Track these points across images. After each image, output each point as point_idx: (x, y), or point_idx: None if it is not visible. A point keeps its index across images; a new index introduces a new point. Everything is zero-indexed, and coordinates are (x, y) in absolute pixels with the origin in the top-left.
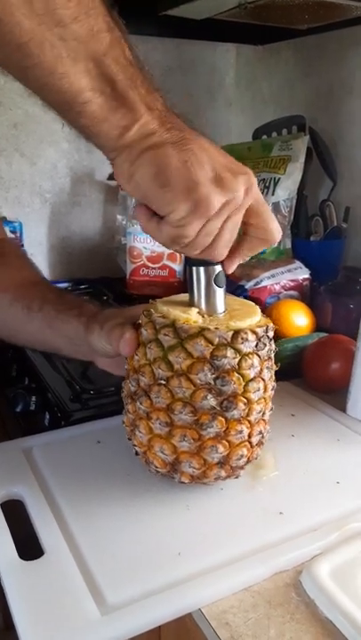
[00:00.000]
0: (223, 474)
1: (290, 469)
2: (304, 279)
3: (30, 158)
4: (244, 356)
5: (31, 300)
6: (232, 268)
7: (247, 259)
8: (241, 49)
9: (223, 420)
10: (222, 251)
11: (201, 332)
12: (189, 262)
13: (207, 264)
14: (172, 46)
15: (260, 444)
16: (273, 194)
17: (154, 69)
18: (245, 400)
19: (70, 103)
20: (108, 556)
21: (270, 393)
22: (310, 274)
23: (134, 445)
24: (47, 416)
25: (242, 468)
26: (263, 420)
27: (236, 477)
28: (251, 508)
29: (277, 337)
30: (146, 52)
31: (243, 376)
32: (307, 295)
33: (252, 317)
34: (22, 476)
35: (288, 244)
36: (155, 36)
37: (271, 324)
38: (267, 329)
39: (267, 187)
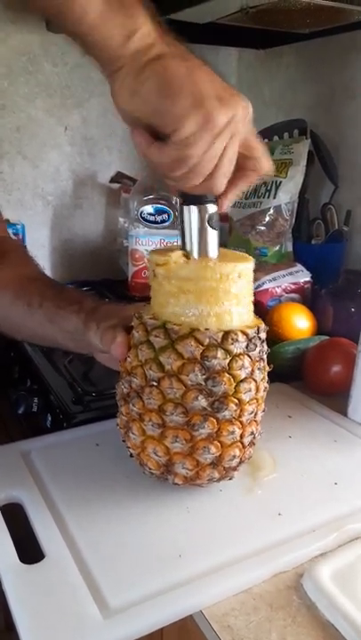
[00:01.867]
0: (216, 475)
1: (288, 471)
2: (305, 282)
3: (33, 161)
4: (234, 356)
5: (31, 297)
6: (226, 205)
7: (239, 194)
8: (243, 53)
9: (215, 420)
10: (222, 181)
11: (191, 332)
12: (183, 201)
13: (201, 202)
14: None
15: (251, 444)
16: (274, 197)
17: None
18: (237, 401)
19: (70, 5)
20: (108, 558)
21: (263, 394)
22: (312, 277)
23: (128, 447)
24: (49, 418)
25: (235, 469)
26: (255, 420)
27: (230, 479)
28: (250, 510)
29: (278, 340)
30: None
31: (233, 377)
32: (308, 298)
33: (244, 262)
34: (21, 479)
35: (289, 247)
36: None
37: (263, 326)
38: (258, 330)
39: (268, 190)
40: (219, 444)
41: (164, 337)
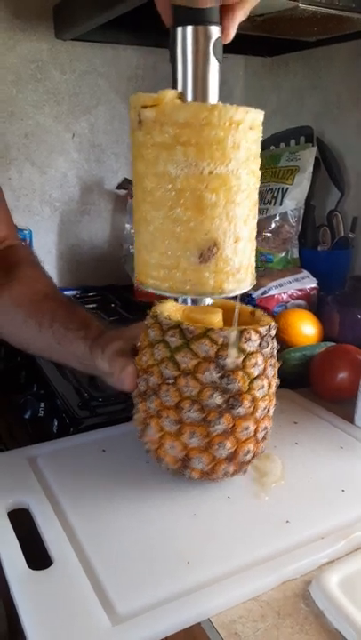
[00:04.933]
0: (231, 469)
1: (295, 477)
2: (311, 288)
3: (41, 167)
4: (248, 355)
5: (43, 317)
6: (233, 31)
7: (247, 14)
8: (249, 60)
9: (230, 417)
10: None
11: (206, 332)
12: (176, 21)
13: (202, 21)
14: None
15: (264, 439)
16: (281, 204)
17: (163, 80)
18: (251, 398)
19: None
20: (116, 564)
21: (274, 390)
22: (318, 283)
23: (145, 443)
24: (55, 423)
25: (248, 463)
26: (268, 416)
27: (244, 473)
28: (258, 517)
29: (285, 346)
30: (155, 62)
31: (247, 374)
32: (314, 304)
33: (254, 110)
34: (28, 485)
35: (296, 254)
36: (164, 47)
37: (273, 323)
38: (269, 328)
39: (275, 197)
40: (234, 440)
41: (179, 336)
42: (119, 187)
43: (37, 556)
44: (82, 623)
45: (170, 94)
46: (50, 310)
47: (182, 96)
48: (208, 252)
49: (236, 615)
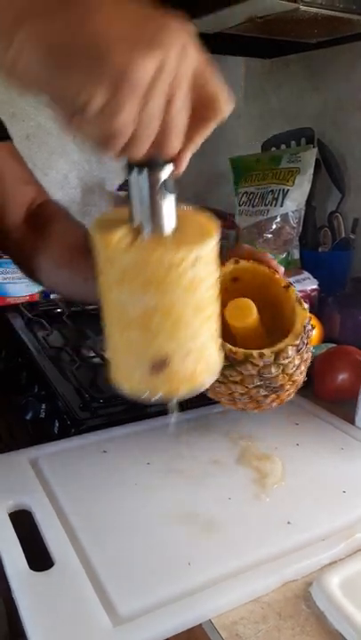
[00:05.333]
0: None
1: (296, 479)
2: (312, 290)
3: (42, 169)
4: (287, 363)
5: (85, 271)
6: (184, 164)
7: (199, 145)
8: (250, 62)
9: (275, 395)
10: (175, 140)
11: (247, 358)
12: (129, 164)
13: (153, 165)
14: None
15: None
16: (282, 205)
17: None
18: (291, 382)
19: None
20: (117, 565)
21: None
22: (318, 284)
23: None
24: (57, 424)
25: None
26: (304, 362)
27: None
28: (258, 518)
29: None
30: None
31: (288, 375)
32: (315, 306)
33: (204, 241)
34: (29, 486)
35: (296, 255)
36: None
37: (309, 316)
38: (305, 330)
39: (275, 198)
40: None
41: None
42: (120, 188)
43: (38, 557)
44: (83, 624)
45: (118, 235)
46: (87, 263)
47: (139, 228)
48: (159, 366)
49: (238, 616)
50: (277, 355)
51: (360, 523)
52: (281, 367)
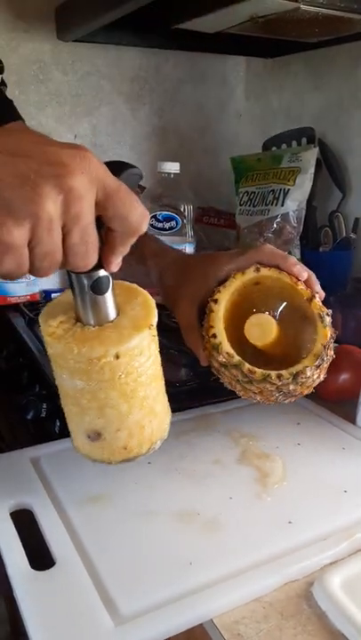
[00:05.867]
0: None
1: (297, 478)
2: None
3: None
4: (306, 379)
5: (145, 260)
6: (115, 266)
7: (126, 251)
8: (251, 62)
9: (293, 398)
10: (82, 261)
11: (265, 378)
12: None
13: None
14: (183, 59)
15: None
16: (282, 205)
17: (166, 81)
18: (309, 388)
19: None
20: (119, 565)
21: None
22: (320, 284)
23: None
24: (58, 423)
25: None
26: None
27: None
28: (260, 518)
29: None
30: (158, 64)
31: (307, 387)
32: None
33: (132, 336)
34: (31, 485)
35: (297, 255)
36: (167, 48)
37: (330, 335)
38: (326, 344)
39: (276, 198)
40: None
41: (242, 376)
42: None
43: (40, 557)
44: (84, 623)
45: (55, 323)
46: (150, 251)
47: (77, 319)
48: (94, 436)
49: (239, 616)
50: (296, 375)
51: None
52: (300, 384)
